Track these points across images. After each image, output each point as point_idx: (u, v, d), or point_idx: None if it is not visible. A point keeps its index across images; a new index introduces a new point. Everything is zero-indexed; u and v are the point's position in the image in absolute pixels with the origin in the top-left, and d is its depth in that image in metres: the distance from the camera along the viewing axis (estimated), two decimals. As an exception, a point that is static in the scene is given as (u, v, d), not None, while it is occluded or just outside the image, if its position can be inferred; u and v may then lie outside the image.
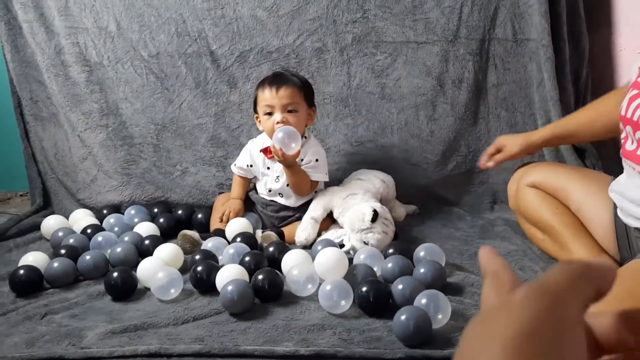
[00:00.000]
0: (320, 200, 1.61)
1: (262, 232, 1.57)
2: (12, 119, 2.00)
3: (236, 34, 1.89)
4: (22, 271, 1.34)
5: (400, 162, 1.87)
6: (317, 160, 1.64)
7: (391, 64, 1.88)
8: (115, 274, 1.29)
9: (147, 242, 1.52)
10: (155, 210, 1.82)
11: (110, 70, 1.92)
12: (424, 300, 1.11)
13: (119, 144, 1.93)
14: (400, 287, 1.18)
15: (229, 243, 1.50)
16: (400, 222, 1.74)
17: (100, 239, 1.54)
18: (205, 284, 1.30)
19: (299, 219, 1.63)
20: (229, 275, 1.25)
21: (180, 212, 1.79)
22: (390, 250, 1.41)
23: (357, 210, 1.50)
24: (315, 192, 1.69)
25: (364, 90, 1.90)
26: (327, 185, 1.73)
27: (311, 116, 1.66)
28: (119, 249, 1.46)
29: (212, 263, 1.33)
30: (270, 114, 1.59)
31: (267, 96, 1.59)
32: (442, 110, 1.89)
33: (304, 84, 1.64)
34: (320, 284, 1.23)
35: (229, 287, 1.19)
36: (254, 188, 1.77)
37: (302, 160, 1.62)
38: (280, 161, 1.56)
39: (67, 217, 1.77)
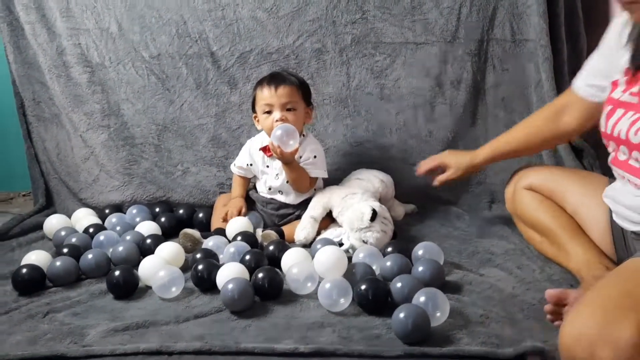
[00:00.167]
0: (320, 199, 1.62)
1: (262, 231, 1.59)
2: (14, 119, 2.02)
3: (236, 35, 1.90)
4: (24, 270, 1.35)
5: (399, 162, 1.88)
6: (315, 157, 1.65)
7: (390, 64, 1.89)
8: (117, 273, 1.30)
9: (148, 241, 1.53)
10: (157, 209, 1.83)
11: (112, 71, 1.93)
12: (422, 299, 1.11)
13: (120, 144, 1.94)
14: (399, 285, 1.19)
15: (230, 242, 1.51)
16: (399, 221, 1.75)
17: (102, 238, 1.55)
18: (206, 283, 1.31)
19: (299, 217, 1.64)
20: (230, 273, 1.26)
21: (181, 211, 1.80)
22: (389, 249, 1.42)
23: (356, 209, 1.51)
24: (315, 189, 1.70)
25: (363, 91, 1.91)
26: (326, 184, 1.74)
27: (309, 115, 1.69)
28: (120, 248, 1.47)
29: (212, 262, 1.34)
30: (269, 112, 1.62)
31: (266, 95, 1.61)
32: (440, 111, 1.90)
33: (302, 83, 1.68)
34: (319, 283, 1.24)
35: (230, 286, 1.20)
36: (254, 187, 1.78)
37: (300, 157, 1.63)
38: (278, 158, 1.58)
39: (69, 217, 1.78)
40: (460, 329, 1.09)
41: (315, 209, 1.61)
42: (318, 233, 1.60)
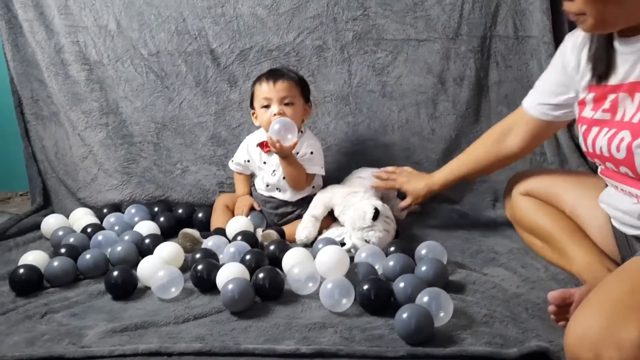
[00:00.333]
0: (321, 198, 1.61)
1: (263, 231, 1.57)
2: (12, 118, 2.00)
3: (236, 32, 1.89)
4: (22, 270, 1.33)
5: (402, 160, 1.87)
6: (312, 152, 1.65)
7: (392, 61, 1.88)
8: (115, 273, 1.29)
9: (147, 241, 1.51)
10: (156, 209, 1.82)
11: (110, 69, 1.92)
12: (425, 299, 1.10)
13: (119, 143, 1.93)
14: (401, 285, 1.17)
15: (230, 242, 1.49)
16: (401, 220, 1.74)
17: (100, 238, 1.53)
18: (205, 283, 1.29)
19: (299, 216, 1.63)
20: (230, 273, 1.25)
21: (180, 211, 1.79)
22: (392, 249, 1.40)
23: (358, 208, 1.49)
24: (313, 187, 1.70)
25: (365, 88, 1.89)
26: (327, 183, 1.72)
27: (307, 111, 1.69)
28: (119, 248, 1.45)
29: (212, 262, 1.33)
30: (267, 106, 1.62)
31: (264, 89, 1.61)
32: (443, 108, 1.89)
33: (301, 79, 1.68)
34: (321, 283, 1.22)
35: (230, 286, 1.18)
36: (253, 185, 1.77)
37: (297, 153, 1.63)
38: (276, 153, 1.58)
39: (67, 216, 1.77)
40: (464, 329, 1.08)
41: (316, 208, 1.59)
42: (320, 232, 1.59)
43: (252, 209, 1.70)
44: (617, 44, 1.07)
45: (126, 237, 1.54)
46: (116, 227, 1.65)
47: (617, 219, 1.15)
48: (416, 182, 1.61)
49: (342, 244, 1.49)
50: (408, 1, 1.84)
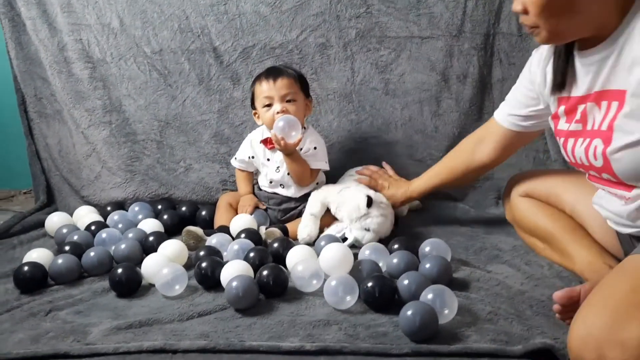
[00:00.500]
0: (317, 197, 1.61)
1: (266, 229, 1.57)
2: (15, 116, 2.00)
3: (239, 30, 1.89)
4: (26, 268, 1.34)
5: (405, 158, 1.87)
6: (315, 148, 1.65)
7: (395, 59, 1.87)
8: (119, 271, 1.29)
9: (151, 238, 1.52)
10: (159, 207, 1.82)
11: (113, 67, 1.92)
12: (430, 296, 1.10)
13: (122, 141, 1.93)
14: (405, 282, 1.17)
15: (233, 239, 1.49)
16: (404, 218, 1.74)
17: (104, 235, 1.54)
18: (210, 280, 1.29)
19: (302, 212, 1.63)
20: (234, 271, 1.25)
21: (184, 208, 1.79)
22: (396, 246, 1.40)
23: (351, 199, 1.51)
24: (317, 183, 1.70)
25: (368, 85, 1.89)
26: (329, 180, 1.73)
27: (308, 106, 1.69)
28: (123, 246, 1.45)
29: (216, 259, 1.33)
30: (269, 105, 1.61)
31: (265, 88, 1.61)
32: (446, 106, 1.88)
33: (300, 75, 1.68)
34: (325, 280, 1.22)
35: (234, 283, 1.18)
36: (256, 183, 1.77)
37: (300, 149, 1.63)
38: (281, 150, 1.58)
39: (70, 214, 1.77)
40: (469, 326, 1.08)
41: (314, 207, 1.60)
42: (321, 231, 1.59)
43: (256, 207, 1.70)
44: (577, 57, 1.10)
45: (130, 235, 1.54)
46: (120, 225, 1.66)
47: (610, 220, 1.16)
48: (395, 189, 1.64)
49: (344, 240, 1.49)
50: (411, -2, 1.84)
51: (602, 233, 1.25)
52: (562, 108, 1.16)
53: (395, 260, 1.31)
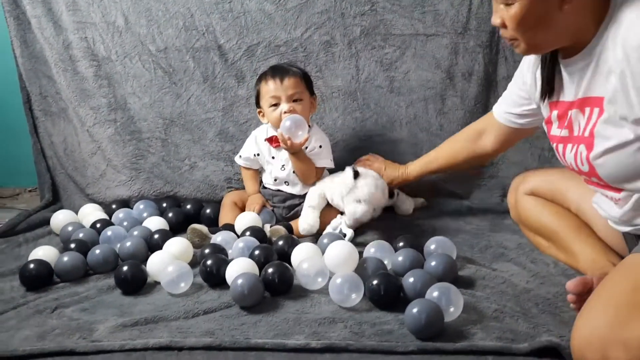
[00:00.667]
0: (314, 190, 1.63)
1: (271, 226, 1.57)
2: (21, 114, 2.01)
3: (244, 28, 1.89)
4: (32, 265, 1.34)
5: (409, 156, 1.85)
6: (320, 146, 1.65)
7: (400, 57, 1.87)
8: (125, 268, 1.29)
9: (156, 236, 1.52)
10: (164, 204, 1.82)
11: (118, 65, 1.92)
12: (435, 293, 1.10)
13: (127, 139, 1.93)
14: (411, 280, 1.17)
15: (238, 237, 1.49)
16: (409, 215, 1.74)
17: (109, 233, 1.54)
18: (215, 278, 1.29)
19: (305, 209, 1.63)
20: (239, 268, 1.25)
21: (188, 206, 1.79)
22: (401, 244, 1.40)
23: (339, 178, 1.55)
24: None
25: (373, 83, 1.89)
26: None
27: (313, 104, 1.69)
28: (128, 243, 1.46)
29: (221, 257, 1.33)
30: (276, 105, 1.61)
31: (272, 88, 1.60)
32: (451, 104, 1.88)
33: (304, 73, 1.68)
34: (330, 278, 1.22)
35: (239, 281, 1.18)
36: (260, 181, 1.77)
37: (306, 148, 1.63)
38: (287, 149, 1.58)
39: (76, 212, 1.77)
40: (474, 324, 1.08)
41: (312, 199, 1.61)
42: (323, 228, 1.59)
43: (263, 206, 1.69)
44: (562, 65, 1.11)
45: (135, 233, 1.54)
46: (125, 223, 1.66)
47: (610, 219, 1.17)
48: (391, 171, 1.68)
49: (344, 235, 1.50)
50: (416, -5, 1.84)
51: (607, 231, 1.25)
52: (554, 113, 1.16)
53: (400, 258, 1.31)
